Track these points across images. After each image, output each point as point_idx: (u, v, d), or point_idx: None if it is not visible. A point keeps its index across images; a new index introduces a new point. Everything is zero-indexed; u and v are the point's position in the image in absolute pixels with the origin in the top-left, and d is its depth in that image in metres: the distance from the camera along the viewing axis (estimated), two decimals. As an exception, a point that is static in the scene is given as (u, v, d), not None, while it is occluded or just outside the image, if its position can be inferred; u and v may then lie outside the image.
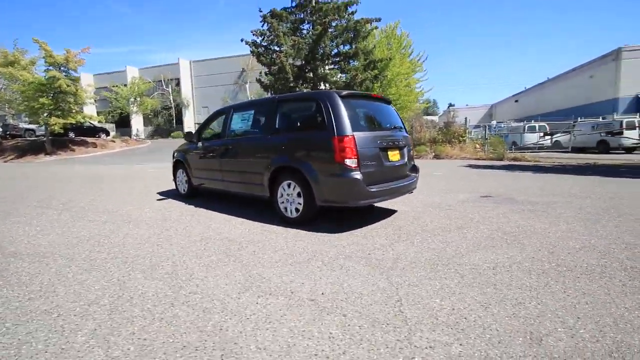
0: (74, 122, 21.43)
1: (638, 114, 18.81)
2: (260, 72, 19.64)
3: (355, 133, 3.53)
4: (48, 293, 2.33)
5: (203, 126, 5.66)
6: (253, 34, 19.01)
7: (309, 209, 3.82)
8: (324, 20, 17.42)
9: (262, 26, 19.33)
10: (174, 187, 7.19)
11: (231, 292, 2.30)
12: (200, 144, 5.40)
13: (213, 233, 3.74)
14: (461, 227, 3.75)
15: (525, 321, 1.88)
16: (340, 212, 4.49)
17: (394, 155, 3.96)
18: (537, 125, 20.69)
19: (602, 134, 17.11)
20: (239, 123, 4.83)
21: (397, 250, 3.06)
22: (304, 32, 19.65)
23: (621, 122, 17.35)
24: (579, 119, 19.86)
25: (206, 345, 1.71)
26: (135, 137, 30.74)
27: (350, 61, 19.04)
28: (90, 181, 9.10)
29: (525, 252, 2.94)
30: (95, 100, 25.07)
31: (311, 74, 19.24)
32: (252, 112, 4.63)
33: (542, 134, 20.11)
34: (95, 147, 23.61)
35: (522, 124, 21.52)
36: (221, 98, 33.21)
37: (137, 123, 33.90)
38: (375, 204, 4.69)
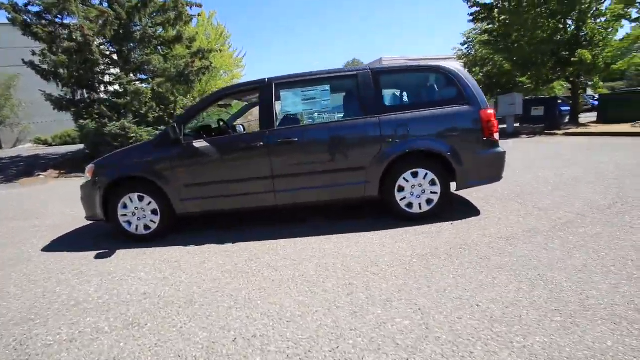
0: None
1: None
2: (36, 52, 13.23)
3: (488, 106, 3.32)
4: None
5: (191, 116, 3.40)
6: (13, -8, 12.58)
7: (446, 196, 3.28)
8: (140, -10, 13.84)
9: (26, -19, 13.08)
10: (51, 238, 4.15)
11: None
12: (198, 144, 3.24)
13: (388, 261, 2.50)
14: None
15: None
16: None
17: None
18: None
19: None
20: (298, 104, 3.25)
21: (568, 213, 3.19)
22: (95, 2, 14.83)
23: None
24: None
25: None
26: None
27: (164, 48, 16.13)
28: None
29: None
30: None
31: (117, 57, 14.93)
32: (326, 87, 3.23)
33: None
34: None
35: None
36: None
37: None
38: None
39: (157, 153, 3.34)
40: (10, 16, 12.80)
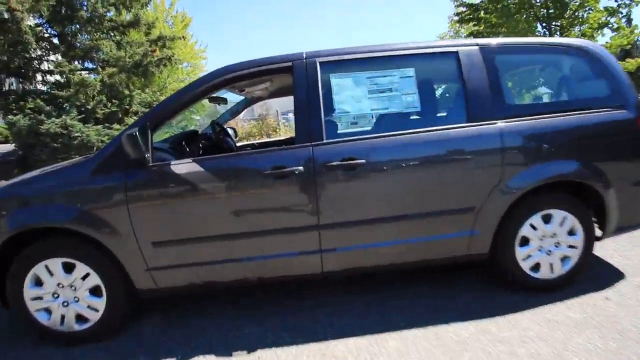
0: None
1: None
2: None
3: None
4: None
5: (164, 116, 1.87)
6: None
7: (589, 252, 2.08)
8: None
9: None
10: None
11: None
12: (180, 167, 1.77)
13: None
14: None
15: None
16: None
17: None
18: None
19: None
20: (362, 99, 1.84)
21: None
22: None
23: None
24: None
25: None
26: None
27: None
28: None
29: None
30: None
31: (58, 41, 12.56)
32: (409, 71, 1.87)
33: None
34: None
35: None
36: None
37: None
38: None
39: (100, 183, 1.79)
40: None
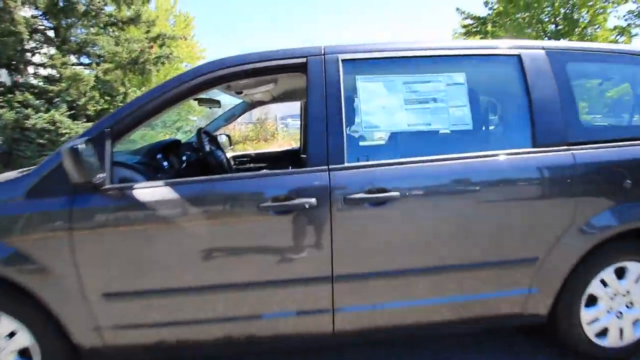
0: None
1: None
2: None
3: None
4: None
5: (130, 123, 1.39)
6: None
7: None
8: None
9: None
10: None
11: None
12: (147, 193, 1.30)
13: None
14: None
15: None
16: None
17: None
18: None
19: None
20: (396, 110, 1.40)
21: None
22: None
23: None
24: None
25: None
26: None
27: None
28: None
29: None
30: None
31: (54, 34, 12.14)
32: (459, 77, 1.41)
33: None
34: None
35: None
36: None
37: None
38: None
39: (36, 209, 1.32)
40: None
